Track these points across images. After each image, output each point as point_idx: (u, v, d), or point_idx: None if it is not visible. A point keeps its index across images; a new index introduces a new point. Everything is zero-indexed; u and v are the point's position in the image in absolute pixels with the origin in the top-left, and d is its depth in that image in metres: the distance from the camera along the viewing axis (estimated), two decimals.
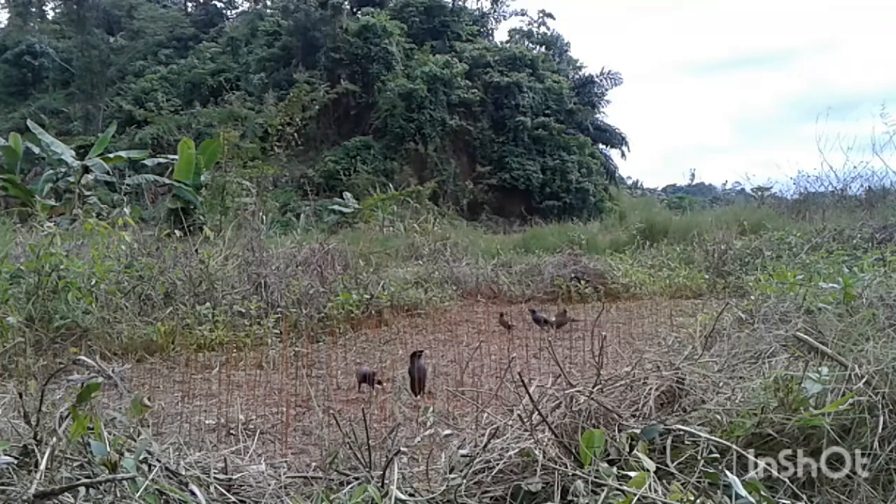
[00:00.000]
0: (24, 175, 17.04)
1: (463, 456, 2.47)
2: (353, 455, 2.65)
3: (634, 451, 2.29)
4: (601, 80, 40.24)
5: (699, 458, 2.29)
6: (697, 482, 2.20)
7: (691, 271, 10.06)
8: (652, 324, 6.83)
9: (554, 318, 6.98)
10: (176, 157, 15.78)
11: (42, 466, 2.12)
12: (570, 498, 2.14)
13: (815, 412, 2.46)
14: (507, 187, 32.53)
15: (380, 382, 4.70)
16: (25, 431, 2.41)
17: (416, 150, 30.71)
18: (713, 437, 2.36)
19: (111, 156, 16.46)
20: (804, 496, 2.30)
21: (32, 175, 17.26)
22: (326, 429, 3.70)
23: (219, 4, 47.57)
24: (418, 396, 4.44)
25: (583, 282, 9.45)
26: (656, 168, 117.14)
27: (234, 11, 47.13)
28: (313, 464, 2.89)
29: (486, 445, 2.45)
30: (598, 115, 39.86)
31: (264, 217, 12.38)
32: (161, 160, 17.36)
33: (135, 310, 6.30)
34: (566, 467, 2.24)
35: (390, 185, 25.21)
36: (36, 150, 17.04)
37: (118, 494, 2.08)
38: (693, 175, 58.31)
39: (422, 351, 4.64)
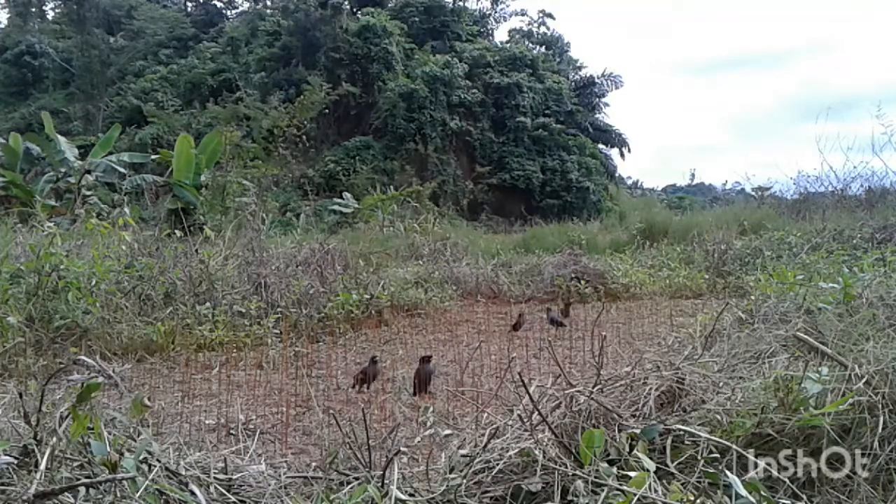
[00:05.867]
0: (25, 175, 17.06)
1: (463, 456, 2.47)
2: (353, 455, 2.65)
3: (634, 451, 2.29)
4: (602, 81, 40.30)
5: (699, 458, 2.29)
6: (697, 482, 2.20)
7: (691, 271, 10.06)
8: (652, 324, 6.83)
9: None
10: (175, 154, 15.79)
11: (42, 466, 2.12)
12: (570, 498, 2.14)
13: (815, 412, 2.46)
14: (507, 187, 32.55)
15: (367, 384, 4.69)
16: (25, 431, 2.41)
17: (417, 151, 30.71)
18: (713, 437, 2.36)
19: (114, 158, 16.49)
20: (804, 496, 2.30)
21: (33, 175, 17.26)
22: (326, 429, 3.71)
23: (219, 4, 47.61)
24: (416, 396, 4.46)
25: (583, 282, 9.45)
26: (656, 168, 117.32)
27: (234, 11, 47.21)
28: (313, 464, 2.89)
29: (486, 445, 2.45)
30: (598, 116, 39.89)
31: (264, 217, 12.38)
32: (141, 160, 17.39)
33: (135, 310, 6.29)
34: (566, 467, 2.24)
35: (390, 186, 25.22)
36: (36, 150, 17.05)
37: (118, 494, 2.08)
38: (693, 175, 58.33)
39: (430, 356, 4.67)
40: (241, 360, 5.65)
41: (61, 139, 16.78)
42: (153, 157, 17.69)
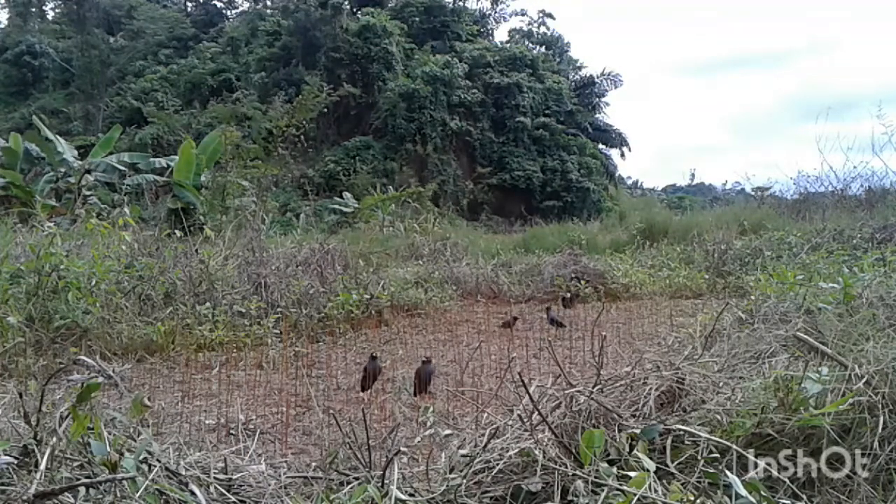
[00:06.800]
0: (25, 175, 17.07)
1: (463, 456, 2.47)
2: (353, 455, 2.65)
3: (634, 451, 2.28)
4: (601, 81, 40.31)
5: (699, 458, 2.29)
6: (697, 482, 2.20)
7: (691, 271, 10.06)
8: (652, 324, 6.83)
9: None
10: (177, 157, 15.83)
11: (42, 466, 2.11)
12: (570, 498, 2.14)
13: (815, 412, 2.46)
14: (508, 187, 32.57)
15: (365, 388, 4.66)
16: (25, 431, 2.41)
17: (417, 151, 30.73)
18: (713, 437, 2.36)
19: (115, 161, 16.48)
20: (804, 496, 2.30)
21: (33, 175, 17.28)
22: (326, 429, 3.71)
23: (219, 4, 47.63)
24: (417, 396, 4.47)
25: (583, 282, 9.45)
26: (656, 168, 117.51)
27: (234, 11, 47.26)
28: (313, 464, 2.89)
29: (486, 445, 2.45)
30: (598, 116, 39.90)
31: (264, 217, 12.38)
32: (162, 162, 17.40)
33: (135, 310, 6.29)
34: (566, 467, 2.24)
35: (390, 186, 25.23)
36: (36, 150, 17.06)
37: (118, 494, 2.08)
38: (693, 175, 58.44)
39: (430, 358, 4.69)
40: (241, 360, 5.65)
41: (61, 140, 16.79)
42: (153, 160, 17.69)
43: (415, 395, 4.50)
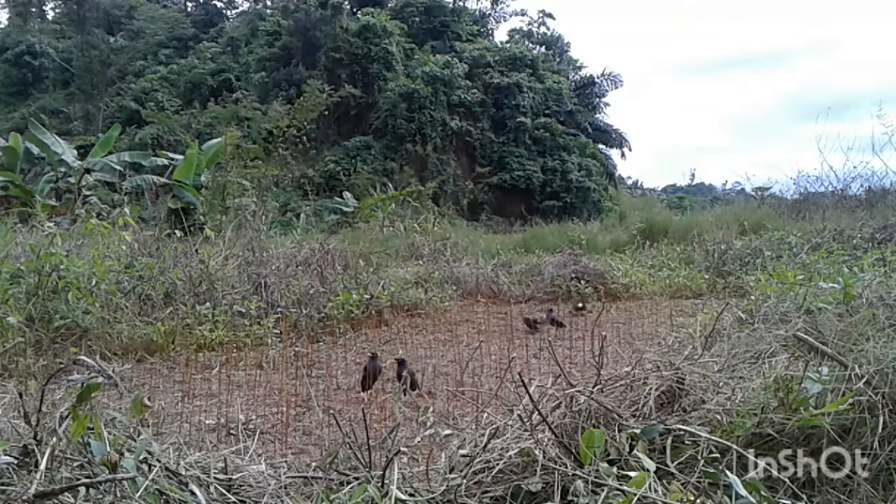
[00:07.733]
0: (25, 175, 17.06)
1: (463, 456, 2.46)
2: (353, 455, 2.65)
3: (634, 451, 2.28)
4: (601, 81, 40.33)
5: (699, 458, 2.29)
6: (697, 482, 2.20)
7: (691, 271, 10.06)
8: (652, 324, 6.83)
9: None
10: (178, 157, 15.83)
11: (42, 466, 2.11)
12: (570, 498, 2.14)
13: (815, 412, 2.46)
14: (508, 187, 32.56)
15: (365, 388, 4.67)
16: (25, 431, 2.41)
17: (416, 151, 30.72)
18: (713, 437, 2.36)
19: (115, 160, 16.47)
20: (804, 496, 2.30)
21: (33, 175, 17.27)
22: (326, 429, 3.71)
23: (219, 4, 47.62)
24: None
25: (583, 282, 9.44)
26: (656, 168, 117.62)
27: (234, 11, 47.24)
28: (313, 464, 2.89)
29: (486, 445, 2.45)
30: (598, 116, 39.91)
31: (264, 217, 12.37)
32: (164, 161, 17.38)
33: (135, 310, 6.29)
34: (566, 467, 2.24)
35: (390, 185, 25.22)
36: (36, 150, 17.06)
37: (118, 494, 2.08)
38: (693, 175, 58.45)
39: (404, 358, 4.75)
40: (241, 360, 5.65)
41: (60, 141, 16.78)
42: (153, 160, 17.68)
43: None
